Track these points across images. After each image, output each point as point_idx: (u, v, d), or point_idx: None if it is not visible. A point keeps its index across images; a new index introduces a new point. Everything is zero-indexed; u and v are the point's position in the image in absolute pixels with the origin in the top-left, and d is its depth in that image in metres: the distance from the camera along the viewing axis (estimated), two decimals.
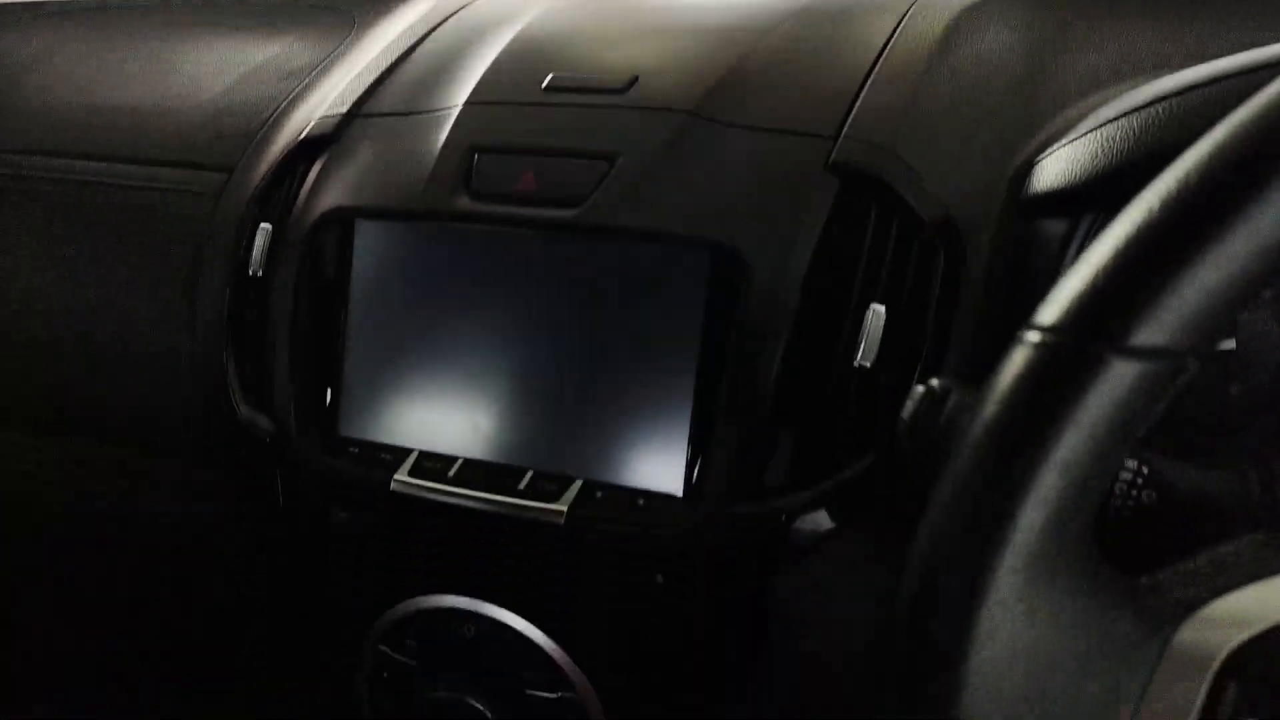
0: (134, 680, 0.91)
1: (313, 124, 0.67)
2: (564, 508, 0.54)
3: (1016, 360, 0.27)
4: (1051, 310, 0.27)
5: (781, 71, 0.61)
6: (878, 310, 0.52)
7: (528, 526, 0.54)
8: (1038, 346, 0.27)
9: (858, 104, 0.57)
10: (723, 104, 0.58)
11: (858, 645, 0.54)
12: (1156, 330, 0.25)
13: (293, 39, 0.90)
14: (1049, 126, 0.55)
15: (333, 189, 0.62)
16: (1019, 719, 0.26)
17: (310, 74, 0.80)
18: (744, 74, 0.61)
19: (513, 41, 0.68)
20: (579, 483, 0.55)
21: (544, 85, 0.62)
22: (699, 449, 0.53)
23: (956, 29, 0.61)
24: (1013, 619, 0.26)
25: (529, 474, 0.56)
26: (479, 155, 0.59)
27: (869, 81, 0.58)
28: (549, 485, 0.55)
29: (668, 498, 0.54)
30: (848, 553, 0.53)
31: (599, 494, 0.55)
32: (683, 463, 0.54)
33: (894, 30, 0.62)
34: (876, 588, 0.54)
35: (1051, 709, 0.26)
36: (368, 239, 0.61)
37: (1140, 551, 0.32)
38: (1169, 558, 0.31)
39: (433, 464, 0.58)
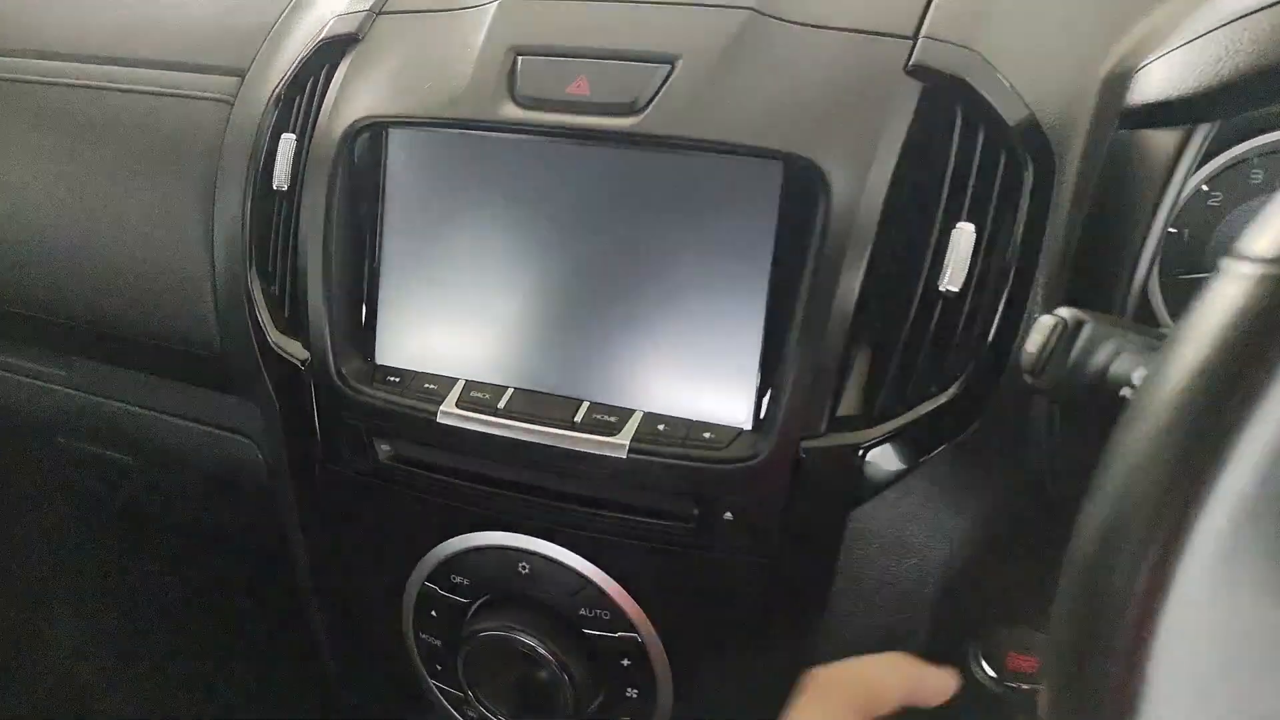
0: (166, 624, 0.90)
1: (333, 22, 0.62)
2: (625, 441, 0.51)
3: (1228, 294, 0.23)
4: (1265, 236, 0.23)
5: None
6: (965, 229, 0.48)
7: (586, 461, 0.51)
8: (1250, 279, 0.23)
9: (934, 1, 0.52)
10: (791, 1, 0.53)
11: (930, 589, 0.52)
12: None
13: None
14: (1143, 23, 0.51)
15: (362, 95, 0.57)
16: (1212, 696, 0.24)
17: None
18: None
19: None
20: (640, 414, 0.52)
21: None
22: (769, 378, 0.50)
23: None
24: (1204, 602, 0.23)
25: (585, 405, 0.53)
26: (522, 57, 0.54)
27: None
28: (608, 417, 0.52)
29: (736, 430, 0.51)
30: (925, 490, 0.50)
31: (661, 426, 0.51)
32: (752, 393, 0.50)
33: None
34: (952, 528, 0.51)
35: (1249, 688, 0.24)
36: (403, 150, 0.56)
37: None
38: None
39: (481, 394, 0.54)
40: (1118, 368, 0.34)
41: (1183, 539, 0.23)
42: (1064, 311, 0.35)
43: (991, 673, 0.54)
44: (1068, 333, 0.34)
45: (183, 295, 0.66)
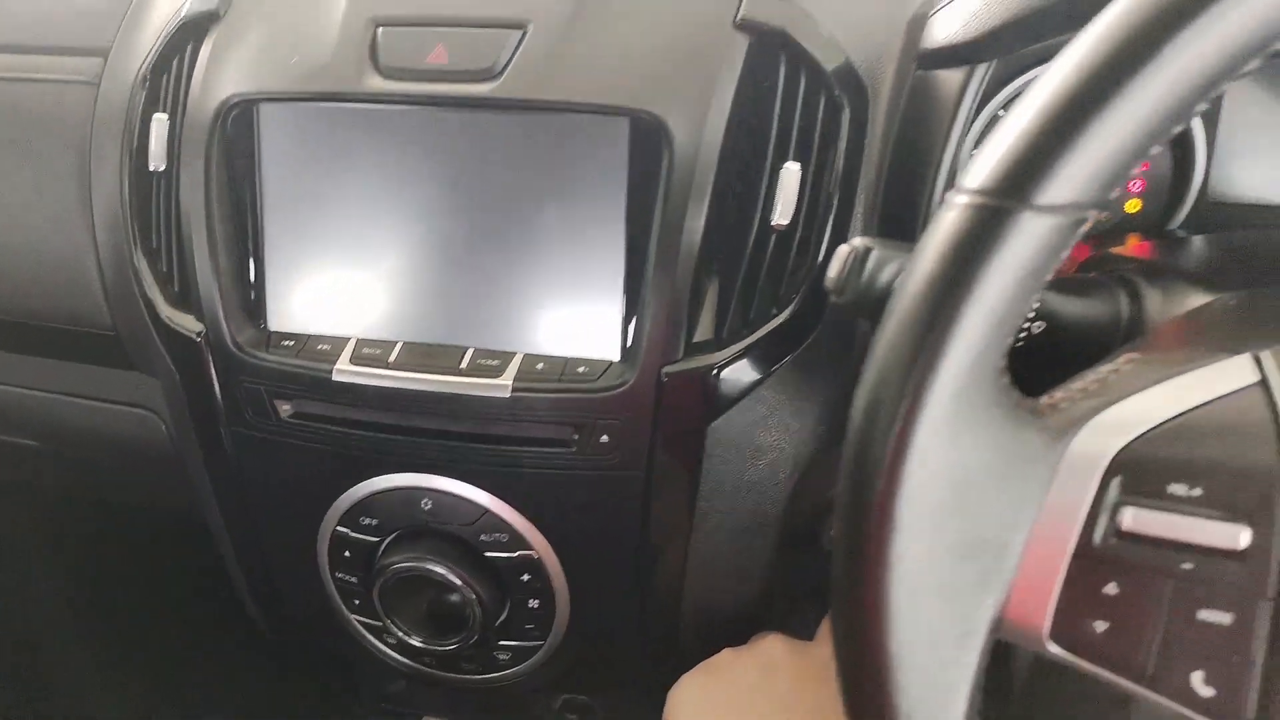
0: (93, 599, 0.92)
1: (190, 1, 0.63)
2: (508, 381, 0.56)
3: (946, 220, 0.30)
4: (976, 173, 0.30)
5: None
6: (791, 169, 0.54)
7: (474, 403, 0.57)
8: (965, 208, 0.30)
9: None
10: None
11: (783, 482, 0.59)
12: (1065, 189, 0.28)
13: None
14: None
15: (229, 73, 0.60)
16: (944, 526, 0.31)
17: None
18: None
19: None
20: (520, 355, 0.57)
21: None
22: (632, 313, 0.56)
23: None
24: (941, 442, 0.30)
25: (469, 351, 0.58)
26: (381, 29, 0.57)
27: None
28: (491, 361, 0.57)
29: (606, 363, 0.57)
30: (773, 399, 0.57)
31: (540, 365, 0.57)
32: (618, 327, 0.56)
33: None
34: (798, 427, 0.59)
35: (971, 516, 0.31)
36: (275, 124, 0.59)
37: (1036, 376, 0.37)
38: (1062, 379, 0.36)
39: (373, 350, 0.59)
40: (898, 283, 0.41)
41: (920, 404, 0.30)
42: (856, 240, 0.42)
43: None
44: (859, 258, 0.41)
45: (69, 278, 0.67)
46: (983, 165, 0.30)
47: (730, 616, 0.65)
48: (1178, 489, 0.31)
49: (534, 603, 0.63)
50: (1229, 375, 0.33)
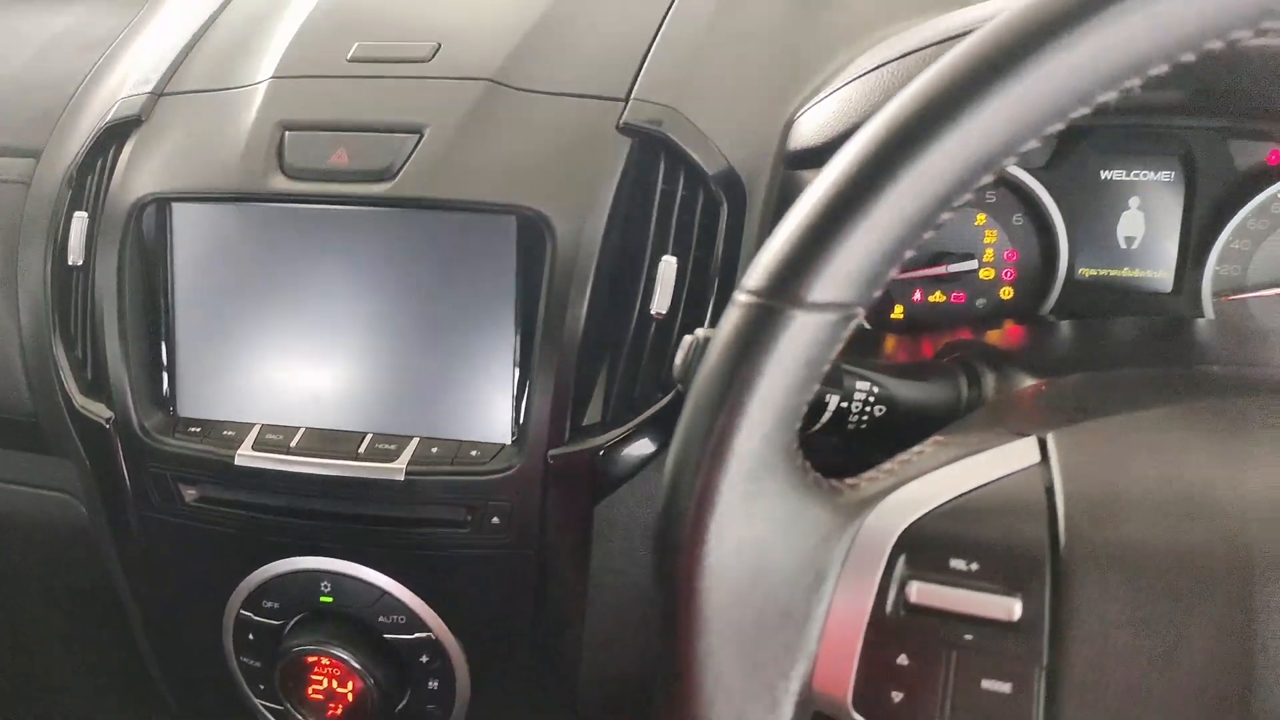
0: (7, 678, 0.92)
1: (118, 105, 0.67)
2: (402, 465, 0.58)
3: (730, 317, 0.33)
4: (752, 275, 0.33)
5: (578, 34, 0.64)
6: (669, 261, 0.57)
7: (370, 485, 0.59)
8: (744, 306, 0.32)
9: (645, 66, 0.61)
10: (523, 70, 0.62)
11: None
12: (827, 289, 0.31)
13: (91, 4, 0.87)
14: (813, 80, 0.61)
15: (145, 173, 0.63)
16: (746, 600, 0.33)
17: (111, 44, 0.79)
18: (543, 37, 0.64)
19: (316, 9, 0.69)
20: (415, 440, 0.59)
21: (349, 56, 0.64)
22: (522, 398, 0.58)
23: None
24: (736, 520, 0.33)
25: (368, 437, 0.60)
26: (289, 133, 0.61)
27: (655, 43, 0.63)
28: (388, 445, 0.59)
29: (498, 446, 0.59)
30: (658, 478, 0.59)
31: (435, 449, 0.59)
32: (510, 412, 0.59)
33: None
34: None
35: (772, 590, 0.33)
36: (186, 221, 0.62)
37: (881, 457, 0.39)
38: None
39: (275, 436, 0.61)
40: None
41: (712, 485, 0.32)
42: (699, 331, 0.45)
43: None
44: (699, 347, 0.44)
45: None
46: (757, 267, 0.33)
47: (631, 687, 0.66)
48: (958, 564, 0.33)
49: (434, 684, 0.64)
50: (1013, 457, 0.36)
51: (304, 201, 0.60)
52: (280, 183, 0.60)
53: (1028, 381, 0.47)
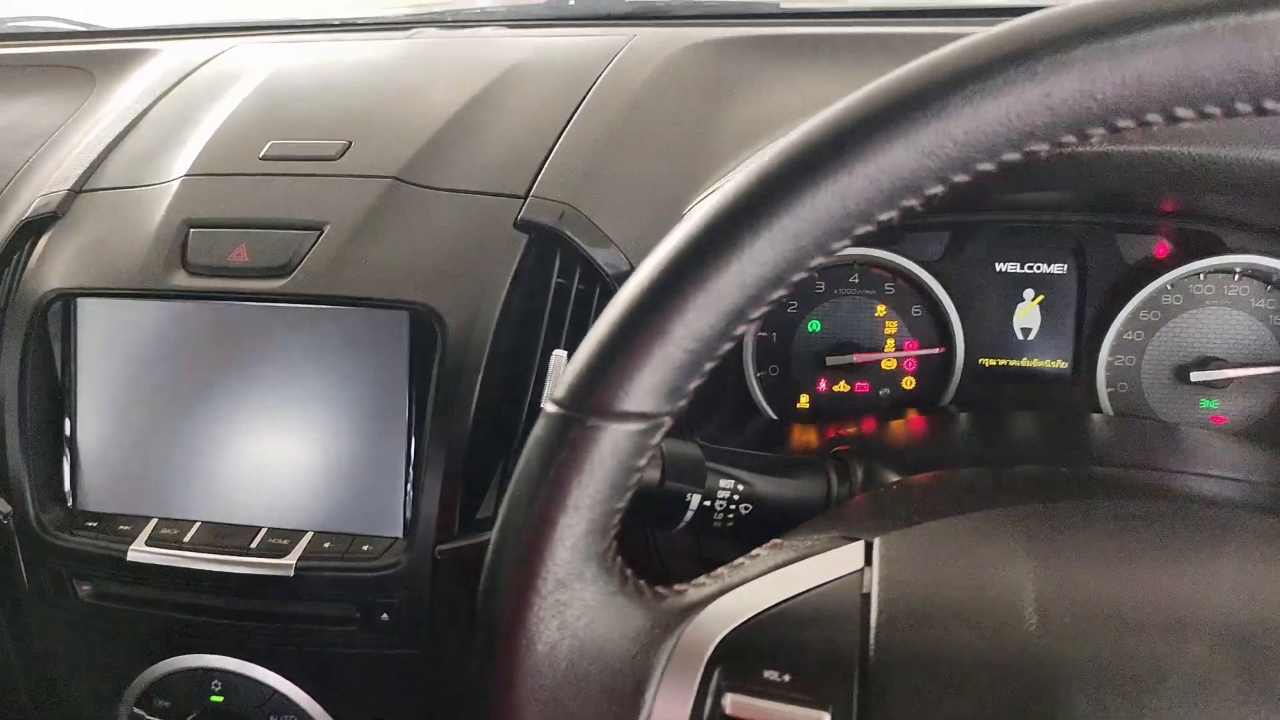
0: None
1: (36, 202, 0.69)
2: (293, 561, 0.58)
3: (539, 426, 0.33)
4: (558, 386, 0.33)
5: (486, 135, 0.66)
6: (559, 355, 0.58)
7: (260, 581, 0.58)
8: (550, 416, 0.33)
9: (546, 165, 0.63)
10: (427, 168, 0.63)
11: None
12: (630, 400, 0.31)
13: (35, 100, 0.89)
14: (712, 179, 0.63)
15: (55, 268, 0.64)
16: (562, 699, 0.32)
17: (47, 140, 0.81)
18: (451, 137, 0.66)
19: (238, 108, 0.71)
20: (309, 535, 0.59)
21: (261, 154, 0.66)
22: (414, 492, 0.58)
23: (638, 95, 0.68)
24: (549, 628, 0.32)
25: (263, 531, 0.60)
26: (192, 230, 0.62)
27: (558, 144, 0.64)
28: (281, 540, 0.59)
29: (390, 540, 0.59)
30: None
31: (327, 544, 0.59)
32: (401, 507, 0.59)
33: (586, 93, 0.69)
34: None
35: (588, 690, 0.33)
36: (91, 317, 0.63)
37: (740, 552, 0.39)
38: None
39: (170, 530, 0.60)
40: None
41: (523, 592, 0.32)
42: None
43: None
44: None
45: None
46: (563, 378, 0.33)
47: None
48: (771, 674, 0.33)
49: None
50: (838, 562, 0.36)
51: (204, 298, 0.60)
52: (182, 279, 0.61)
53: (893, 478, 0.47)
